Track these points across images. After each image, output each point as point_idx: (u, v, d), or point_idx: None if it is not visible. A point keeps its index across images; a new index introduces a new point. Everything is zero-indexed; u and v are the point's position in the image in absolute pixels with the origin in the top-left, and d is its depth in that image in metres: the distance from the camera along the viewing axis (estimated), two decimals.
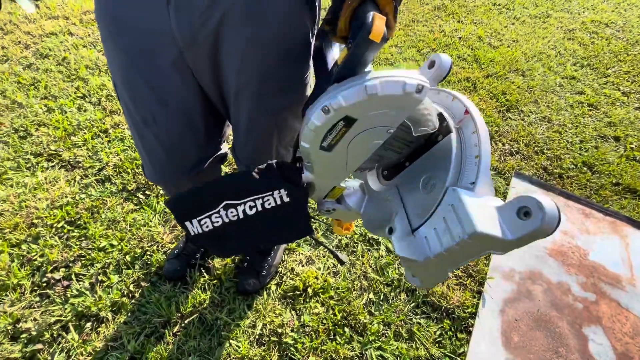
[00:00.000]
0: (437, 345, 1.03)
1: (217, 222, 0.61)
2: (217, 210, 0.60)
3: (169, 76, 0.60)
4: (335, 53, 0.51)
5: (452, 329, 1.06)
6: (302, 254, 1.21)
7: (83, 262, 1.12)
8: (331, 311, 1.07)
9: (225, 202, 0.59)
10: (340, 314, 1.06)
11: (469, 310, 1.10)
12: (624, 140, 1.77)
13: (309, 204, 0.62)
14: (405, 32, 2.41)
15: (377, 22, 0.37)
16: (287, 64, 0.59)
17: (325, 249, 1.15)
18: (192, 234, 0.63)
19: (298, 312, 1.07)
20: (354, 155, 0.47)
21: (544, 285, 1.17)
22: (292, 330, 1.02)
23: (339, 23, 0.46)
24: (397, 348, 1.01)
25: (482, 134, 0.41)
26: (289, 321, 1.04)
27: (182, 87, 0.62)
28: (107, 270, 1.11)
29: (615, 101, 2.01)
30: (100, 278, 1.09)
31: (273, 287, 1.11)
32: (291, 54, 0.58)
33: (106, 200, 1.28)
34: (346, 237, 1.26)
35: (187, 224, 0.63)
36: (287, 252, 1.21)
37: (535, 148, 1.69)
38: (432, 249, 0.40)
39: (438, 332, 1.05)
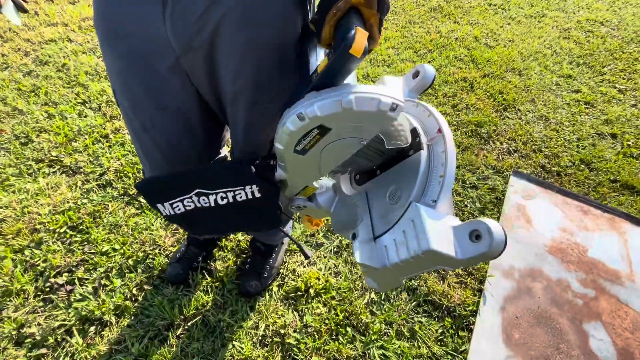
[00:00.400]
0: (439, 343, 1.04)
1: (190, 206, 0.63)
2: (189, 195, 0.62)
3: (168, 81, 0.61)
4: (320, 55, 0.52)
5: (454, 327, 1.07)
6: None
7: (86, 266, 1.13)
8: (333, 311, 1.08)
9: (197, 190, 0.61)
10: (342, 314, 1.07)
11: (470, 308, 1.11)
12: (621, 138, 1.78)
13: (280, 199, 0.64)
14: (402, 33, 2.43)
15: (359, 37, 0.37)
16: (283, 69, 0.60)
17: (295, 243, 1.17)
18: (164, 214, 0.65)
19: (300, 312, 1.07)
20: (326, 160, 0.49)
21: (543, 282, 1.18)
22: (294, 331, 1.03)
23: (323, 31, 0.46)
24: (399, 347, 1.02)
25: (450, 155, 0.43)
26: (292, 322, 1.05)
27: (180, 92, 0.63)
28: (110, 274, 1.11)
29: (611, 99, 2.02)
30: (103, 282, 1.10)
31: (275, 289, 1.12)
32: (286, 58, 0.59)
33: (108, 205, 1.29)
34: (347, 238, 1.27)
35: (159, 205, 0.65)
36: (288, 254, 1.21)
37: (533, 146, 1.70)
38: (390, 258, 0.42)
39: (440, 331, 1.06)
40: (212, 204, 0.62)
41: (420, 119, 0.49)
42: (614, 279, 1.21)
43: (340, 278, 1.16)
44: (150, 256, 1.17)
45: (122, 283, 1.10)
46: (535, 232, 1.33)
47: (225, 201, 0.61)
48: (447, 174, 0.42)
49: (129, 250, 1.17)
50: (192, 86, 0.63)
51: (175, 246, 1.20)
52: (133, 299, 1.07)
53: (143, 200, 1.33)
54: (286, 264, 1.19)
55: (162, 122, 0.66)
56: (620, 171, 1.59)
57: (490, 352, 1.02)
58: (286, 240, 1.20)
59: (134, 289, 1.09)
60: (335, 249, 1.24)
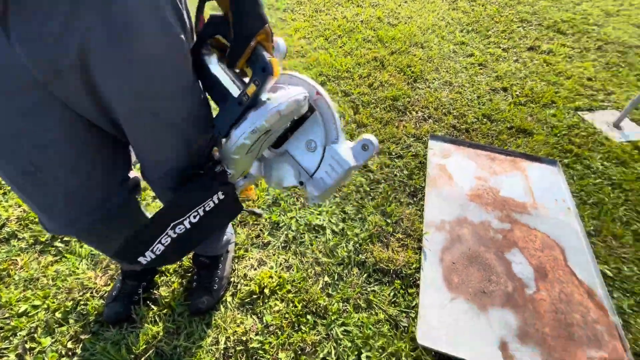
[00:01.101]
0: (392, 305, 1.12)
1: (167, 241, 0.67)
2: (165, 232, 0.65)
3: (39, 116, 0.53)
4: (219, 70, 0.62)
5: (403, 287, 1.16)
6: (252, 258, 1.20)
7: (2, 334, 0.98)
8: (291, 304, 1.09)
9: (172, 224, 0.65)
10: (301, 304, 1.09)
11: (414, 266, 1.21)
12: (510, 90, 2.06)
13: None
14: (310, 22, 2.47)
15: (275, 65, 0.56)
16: (170, 76, 0.57)
17: (249, 214, 1.29)
18: (145, 263, 0.66)
19: (259, 314, 1.07)
20: (263, 147, 0.65)
21: (469, 228, 1.34)
22: (256, 334, 1.02)
23: (239, 62, 0.58)
24: (358, 319, 1.07)
25: (332, 108, 0.65)
26: (252, 326, 1.04)
27: (59, 125, 0.56)
28: (35, 335, 0.98)
29: (498, 57, 2.32)
30: (28, 346, 0.96)
31: (229, 298, 1.10)
32: (171, 66, 0.56)
33: (16, 260, 1.13)
34: (292, 231, 1.28)
35: (141, 258, 0.66)
36: (236, 261, 1.19)
37: (443, 110, 1.88)
38: (327, 183, 0.66)
39: (392, 294, 1.14)
40: (188, 226, 0.67)
41: (300, 86, 0.65)
42: (522, 211, 1.41)
43: (293, 270, 1.18)
44: (81, 302, 1.05)
45: (53, 340, 0.98)
46: (456, 186, 1.49)
47: (197, 218, 0.68)
48: (336, 120, 0.65)
49: (53, 303, 1.04)
50: (73, 114, 0.56)
51: (109, 284, 1.10)
52: (70, 353, 0.96)
53: (61, 245, 1.18)
54: (236, 271, 1.16)
55: (45, 163, 0.58)
56: (513, 118, 1.85)
57: (437, 300, 1.13)
58: (231, 247, 1.18)
59: (69, 342, 0.97)
60: (282, 244, 1.25)
